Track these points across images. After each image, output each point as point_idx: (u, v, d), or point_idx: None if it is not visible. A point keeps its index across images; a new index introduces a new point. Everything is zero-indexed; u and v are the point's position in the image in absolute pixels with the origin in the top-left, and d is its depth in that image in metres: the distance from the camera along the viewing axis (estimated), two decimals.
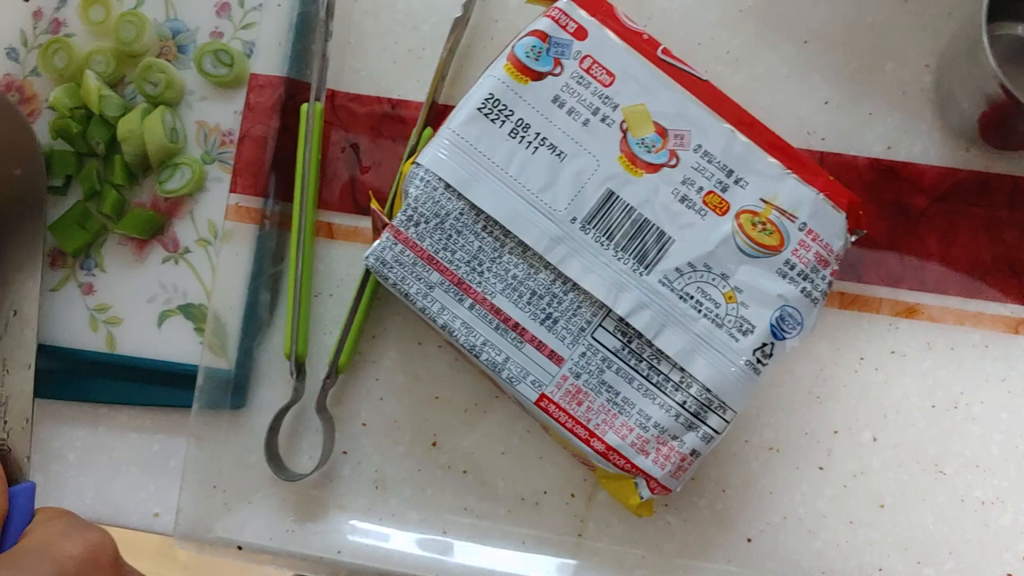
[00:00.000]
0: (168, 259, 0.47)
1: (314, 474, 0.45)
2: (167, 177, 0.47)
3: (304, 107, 0.46)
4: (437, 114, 0.47)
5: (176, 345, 0.47)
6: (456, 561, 0.45)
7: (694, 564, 0.44)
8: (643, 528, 0.45)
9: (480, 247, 0.41)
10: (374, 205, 0.43)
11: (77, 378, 0.47)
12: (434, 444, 0.46)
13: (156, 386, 0.47)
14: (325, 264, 0.47)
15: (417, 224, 0.41)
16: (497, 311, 0.41)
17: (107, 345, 0.47)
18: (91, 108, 0.47)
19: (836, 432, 0.45)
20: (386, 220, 0.42)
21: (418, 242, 0.41)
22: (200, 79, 0.48)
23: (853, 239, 0.42)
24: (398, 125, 0.47)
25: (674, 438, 0.41)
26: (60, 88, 0.48)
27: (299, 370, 0.46)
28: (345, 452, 0.47)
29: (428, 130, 0.47)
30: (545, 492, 0.46)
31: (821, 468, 0.45)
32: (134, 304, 0.47)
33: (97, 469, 0.48)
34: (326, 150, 0.47)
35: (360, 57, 0.48)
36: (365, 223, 0.47)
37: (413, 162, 0.42)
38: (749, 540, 0.45)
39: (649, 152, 0.41)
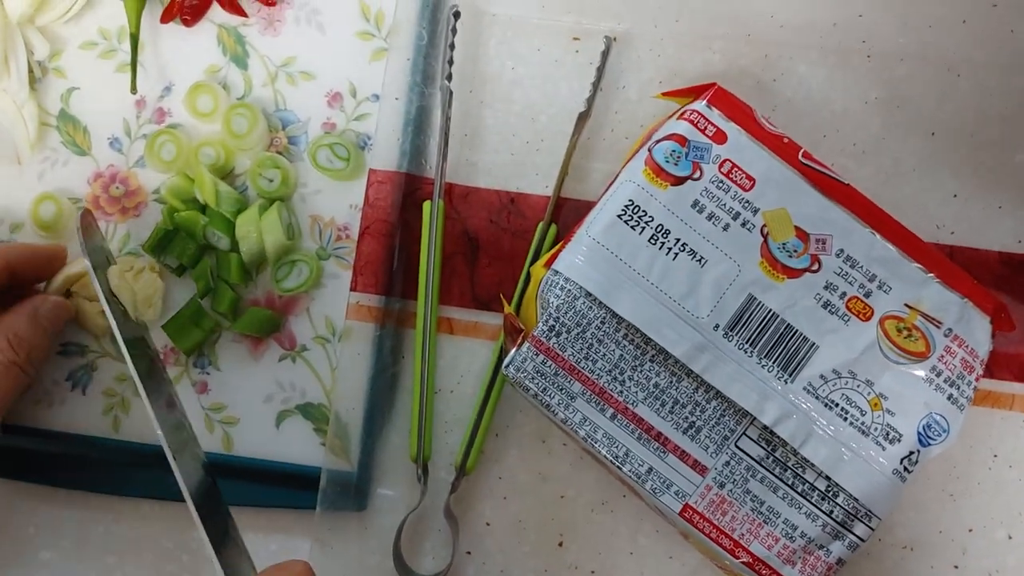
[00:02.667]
0: (285, 357, 0.47)
1: None
2: (284, 275, 0.46)
3: (427, 205, 0.46)
4: (557, 207, 0.46)
5: (295, 446, 0.46)
6: None
7: None
8: None
9: (621, 356, 0.41)
10: (507, 310, 0.42)
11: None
12: (560, 544, 0.46)
13: (274, 487, 0.46)
14: (445, 360, 0.47)
15: (559, 334, 0.41)
16: (639, 421, 0.41)
17: (224, 446, 0.46)
18: (208, 204, 0.46)
19: (971, 530, 0.44)
20: (521, 327, 0.42)
21: (560, 352, 0.41)
22: (312, 172, 0.47)
23: None
24: (517, 219, 0.47)
25: (820, 547, 0.40)
26: (171, 181, 0.47)
27: (424, 472, 0.45)
28: (469, 553, 0.46)
29: (553, 227, 0.46)
30: None
31: (956, 567, 0.44)
32: (251, 403, 0.47)
33: (212, 569, 0.47)
34: (445, 245, 0.46)
35: (477, 150, 0.47)
36: (485, 318, 0.47)
37: (550, 268, 0.41)
38: None
39: (791, 257, 0.41)
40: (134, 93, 0.48)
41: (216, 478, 0.44)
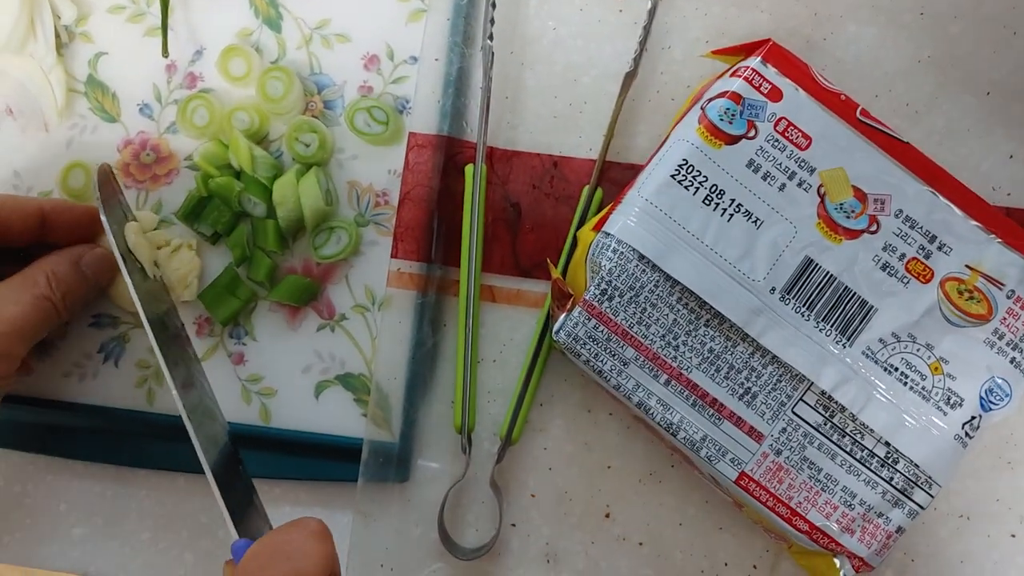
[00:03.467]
0: (323, 327, 0.45)
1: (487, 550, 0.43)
2: (323, 242, 0.45)
3: (469, 168, 0.44)
4: (602, 170, 0.45)
5: (335, 417, 0.45)
6: None
7: None
8: None
9: (675, 320, 0.40)
10: (555, 275, 0.41)
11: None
12: (607, 515, 0.45)
13: (313, 459, 0.45)
14: (487, 328, 0.45)
15: (611, 298, 0.39)
16: (694, 387, 0.40)
17: (261, 417, 0.45)
18: (244, 169, 0.45)
19: None
20: (569, 291, 0.41)
21: (612, 317, 0.40)
22: (350, 137, 0.46)
23: None
24: (561, 183, 0.45)
25: (880, 515, 0.39)
26: (204, 147, 0.46)
27: (469, 443, 0.44)
28: (514, 524, 0.45)
29: (599, 190, 0.45)
30: (726, 564, 0.44)
31: (1013, 536, 0.43)
32: (289, 374, 0.45)
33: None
34: (486, 211, 0.45)
35: (518, 112, 0.46)
36: (528, 286, 0.45)
37: (601, 231, 0.40)
38: None
39: (848, 217, 0.40)
40: (166, 57, 0.47)
41: (238, 445, 0.43)
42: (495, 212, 0.45)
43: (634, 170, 0.45)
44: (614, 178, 0.45)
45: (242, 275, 0.46)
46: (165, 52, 0.47)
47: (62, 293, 0.42)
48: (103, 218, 0.42)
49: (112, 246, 0.42)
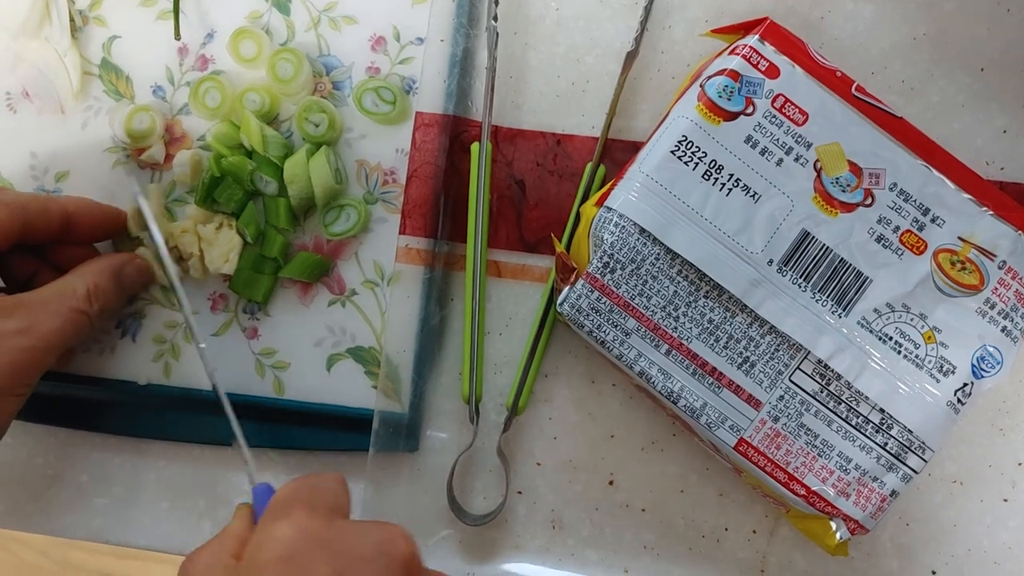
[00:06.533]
0: (335, 302, 0.47)
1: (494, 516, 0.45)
2: (333, 219, 0.46)
3: (475, 146, 0.46)
4: (604, 148, 0.46)
5: (346, 389, 0.46)
6: None
7: None
8: (826, 563, 0.45)
9: (675, 292, 0.41)
10: (559, 249, 0.43)
11: (243, 423, 0.46)
12: (611, 483, 0.46)
13: (326, 430, 0.46)
14: (492, 303, 0.47)
15: (613, 271, 0.41)
16: (694, 356, 0.41)
17: (275, 390, 0.47)
18: (255, 149, 0.46)
19: (1020, 464, 0.45)
20: (573, 265, 0.42)
21: (614, 289, 0.41)
22: (358, 116, 0.47)
23: None
24: (564, 161, 0.47)
25: (874, 479, 0.41)
26: (216, 128, 0.47)
27: (476, 413, 0.45)
28: (520, 492, 0.46)
29: (601, 167, 0.46)
30: (726, 529, 0.46)
31: (1005, 500, 0.45)
32: (301, 348, 0.47)
33: None
34: (492, 188, 0.47)
35: (522, 92, 0.47)
36: (533, 261, 0.47)
37: (604, 205, 0.41)
38: (934, 573, 0.45)
39: (844, 191, 0.41)
40: (178, 40, 0.48)
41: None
42: (500, 189, 0.47)
43: (635, 147, 0.46)
44: (616, 155, 0.46)
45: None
46: (177, 35, 0.48)
47: (100, 307, 0.43)
48: (142, 203, 0.44)
49: (160, 247, 0.44)
